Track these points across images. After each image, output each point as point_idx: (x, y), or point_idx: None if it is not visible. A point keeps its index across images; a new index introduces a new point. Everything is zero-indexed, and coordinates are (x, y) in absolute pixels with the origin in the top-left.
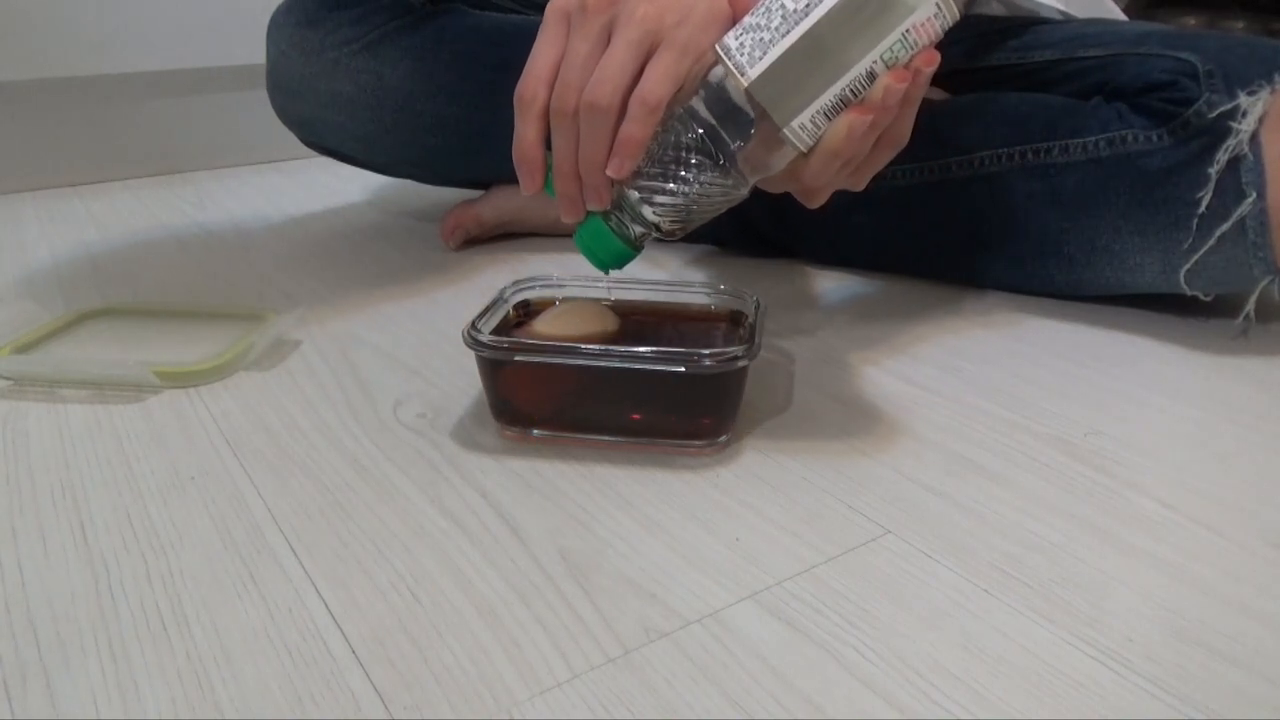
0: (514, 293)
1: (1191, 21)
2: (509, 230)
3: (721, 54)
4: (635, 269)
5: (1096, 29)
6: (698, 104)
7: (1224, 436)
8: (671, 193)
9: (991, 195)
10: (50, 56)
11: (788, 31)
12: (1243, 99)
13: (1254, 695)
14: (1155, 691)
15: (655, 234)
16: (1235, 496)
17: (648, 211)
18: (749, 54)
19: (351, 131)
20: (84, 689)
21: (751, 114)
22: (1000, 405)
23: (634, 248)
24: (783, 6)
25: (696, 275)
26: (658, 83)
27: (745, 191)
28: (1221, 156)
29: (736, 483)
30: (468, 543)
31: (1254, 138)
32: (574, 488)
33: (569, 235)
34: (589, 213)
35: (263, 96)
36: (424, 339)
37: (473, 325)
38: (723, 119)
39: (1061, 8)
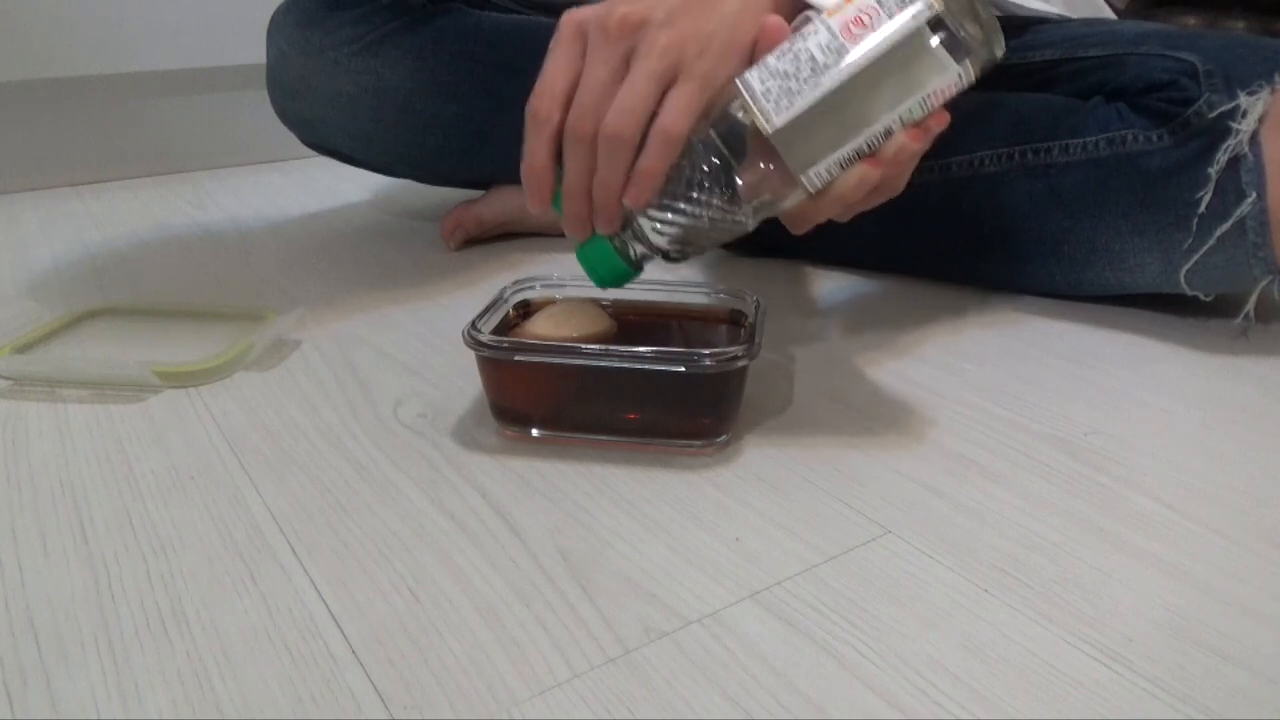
0: (514, 293)
1: (1191, 21)
2: (509, 230)
3: (745, 95)
4: None
5: (1096, 29)
6: (714, 137)
7: (1224, 436)
8: (678, 221)
9: (992, 195)
10: (50, 56)
11: (816, 85)
12: (1243, 99)
13: (1254, 695)
14: (1155, 691)
15: (658, 257)
16: (1235, 496)
17: (654, 237)
18: (775, 101)
19: (351, 131)
20: (84, 689)
21: (768, 155)
22: (1000, 405)
23: (635, 268)
24: (812, 58)
25: (696, 275)
26: (679, 116)
27: (751, 225)
28: (1221, 156)
29: (736, 483)
30: (468, 543)
31: (1254, 138)
32: (574, 488)
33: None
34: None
35: (263, 96)
36: (424, 339)
37: (473, 325)
38: (737, 155)
39: (1048, 10)
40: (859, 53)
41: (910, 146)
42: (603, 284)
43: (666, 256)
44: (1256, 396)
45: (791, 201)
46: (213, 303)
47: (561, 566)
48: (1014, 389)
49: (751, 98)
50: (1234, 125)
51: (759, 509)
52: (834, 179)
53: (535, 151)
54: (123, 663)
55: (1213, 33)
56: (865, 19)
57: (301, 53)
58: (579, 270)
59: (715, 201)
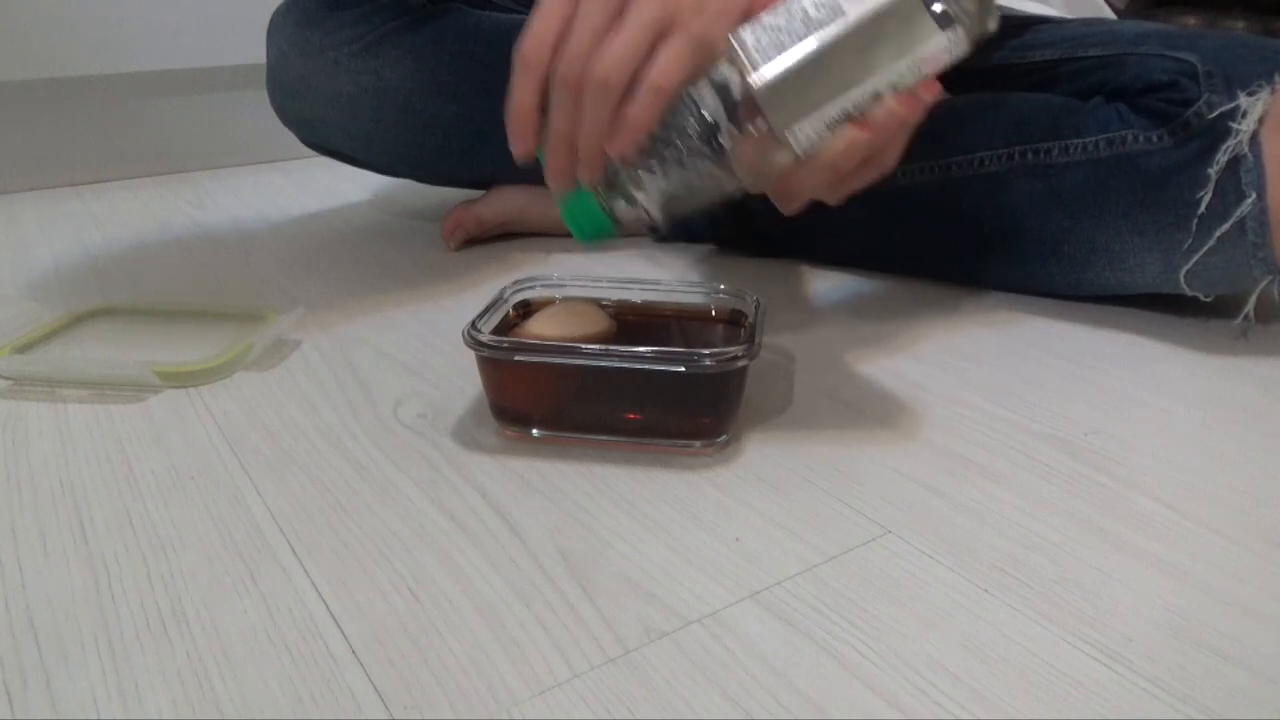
0: (514, 293)
1: (1191, 21)
2: (509, 230)
3: (736, 48)
4: (636, 269)
5: (1097, 29)
6: (702, 93)
7: (1224, 436)
8: (663, 176)
9: (992, 195)
10: (50, 56)
11: (806, 38)
12: (1242, 99)
13: (1254, 695)
14: (1155, 691)
15: (643, 216)
16: (1235, 496)
17: (637, 192)
18: (764, 53)
19: (351, 131)
20: (84, 689)
21: (755, 111)
22: (1000, 405)
23: (616, 222)
24: (804, 12)
25: (696, 275)
26: (669, 68)
27: (734, 187)
28: (1221, 157)
29: (736, 483)
30: (468, 543)
31: (1254, 138)
32: (574, 488)
33: (569, 235)
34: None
35: (263, 96)
36: (424, 339)
37: (473, 325)
38: (725, 111)
39: (1048, 10)
40: (852, 11)
41: (899, 112)
42: (583, 237)
43: (647, 213)
44: (1256, 396)
45: (779, 163)
46: (213, 303)
47: (561, 566)
48: (1014, 389)
49: (742, 50)
50: (1234, 125)
51: (759, 509)
52: (822, 141)
53: (521, 95)
54: (123, 663)
55: (1213, 33)
56: None
57: (301, 53)
58: (579, 270)
59: (702, 160)
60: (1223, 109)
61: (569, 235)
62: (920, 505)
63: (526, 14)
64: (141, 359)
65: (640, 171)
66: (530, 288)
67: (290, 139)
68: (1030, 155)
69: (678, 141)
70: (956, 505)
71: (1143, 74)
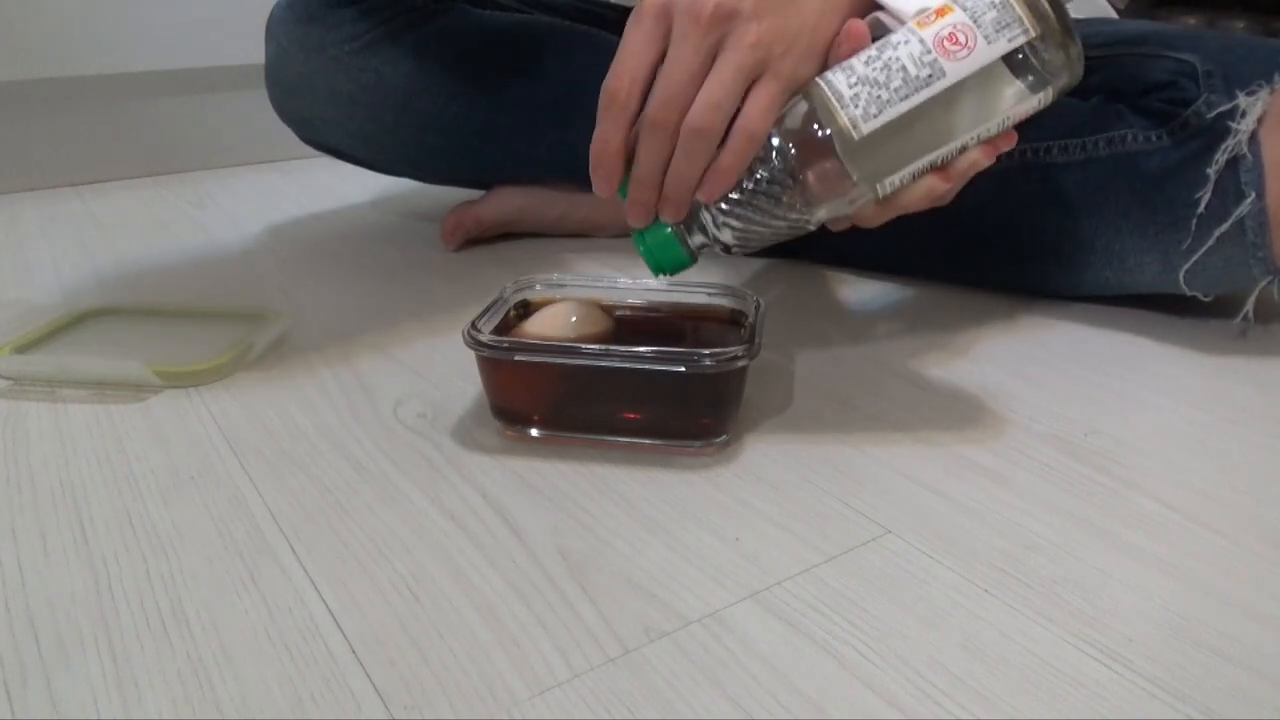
0: (514, 293)
1: (1191, 21)
2: (509, 230)
3: (831, 98)
4: (636, 268)
5: (1096, 29)
6: (787, 135)
7: (1224, 436)
8: (744, 216)
9: (991, 194)
10: (50, 56)
11: (907, 97)
12: (1242, 99)
13: (1254, 695)
14: (1155, 691)
15: (718, 249)
16: (1235, 496)
17: (717, 230)
18: (864, 109)
19: (351, 130)
20: (84, 689)
21: (841, 157)
22: (1000, 405)
23: (693, 257)
24: (904, 69)
25: (696, 275)
26: (763, 115)
27: (813, 225)
28: (1220, 157)
29: (736, 482)
30: (468, 543)
31: (1253, 138)
32: (574, 488)
33: (569, 235)
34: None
35: (263, 96)
36: (424, 339)
37: (473, 325)
38: (811, 155)
39: None
40: (953, 71)
41: (981, 163)
42: (660, 271)
43: (727, 250)
44: (1256, 396)
45: (858, 205)
46: (213, 303)
47: (561, 566)
48: (1014, 389)
49: (839, 101)
50: (1233, 125)
51: (759, 509)
52: (901, 188)
53: (610, 134)
54: (123, 663)
55: (1212, 33)
56: (961, 37)
57: (301, 49)
58: (579, 270)
59: (782, 200)
60: (1221, 109)
61: (568, 235)
62: (920, 505)
63: (527, 13)
64: (141, 359)
65: (720, 209)
66: (530, 288)
67: (290, 139)
68: (1030, 154)
69: (759, 181)
70: (957, 505)
71: (1142, 74)
